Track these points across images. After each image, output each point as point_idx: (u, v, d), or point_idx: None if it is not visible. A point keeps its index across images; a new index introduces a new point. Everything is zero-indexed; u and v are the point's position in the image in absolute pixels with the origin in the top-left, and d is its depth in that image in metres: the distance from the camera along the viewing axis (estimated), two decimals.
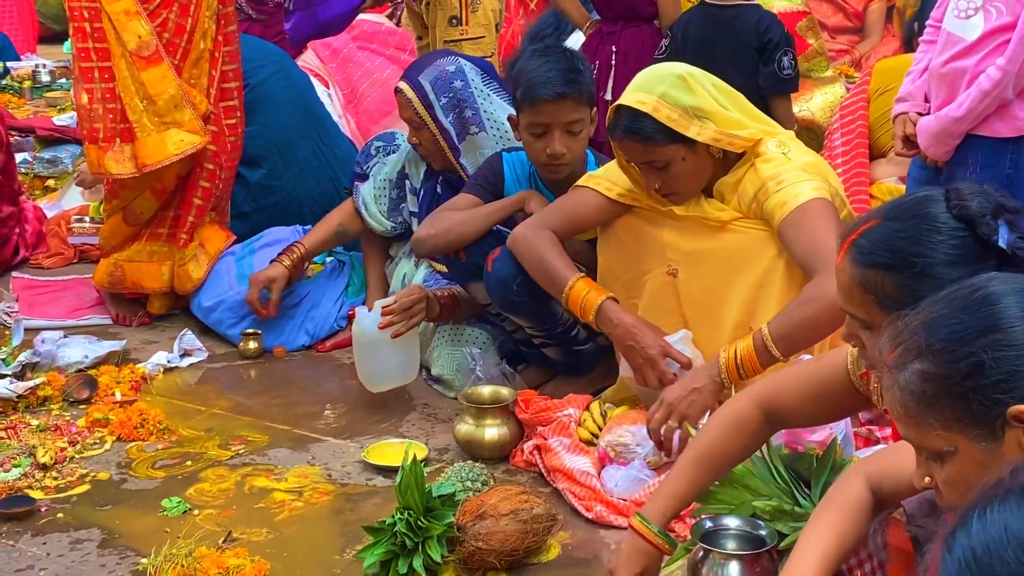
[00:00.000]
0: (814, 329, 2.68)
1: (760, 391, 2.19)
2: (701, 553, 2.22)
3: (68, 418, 3.35)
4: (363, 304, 3.72)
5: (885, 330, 1.60)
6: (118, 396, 3.46)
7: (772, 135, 2.97)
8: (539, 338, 3.36)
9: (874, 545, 1.93)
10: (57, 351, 3.65)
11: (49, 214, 5.07)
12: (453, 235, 3.34)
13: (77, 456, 3.14)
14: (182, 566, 2.55)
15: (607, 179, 3.10)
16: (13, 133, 5.54)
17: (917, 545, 1.82)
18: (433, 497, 2.54)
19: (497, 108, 3.66)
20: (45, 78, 7.45)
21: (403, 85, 3.69)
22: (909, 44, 5.06)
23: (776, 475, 2.41)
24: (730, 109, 2.93)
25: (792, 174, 2.86)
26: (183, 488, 2.97)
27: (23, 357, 3.58)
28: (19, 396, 3.39)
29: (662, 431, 2.69)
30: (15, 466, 3.05)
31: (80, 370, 3.61)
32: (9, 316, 4.09)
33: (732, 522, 2.31)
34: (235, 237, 4.16)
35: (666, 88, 2.86)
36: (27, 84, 7.36)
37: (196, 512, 2.85)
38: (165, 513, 2.84)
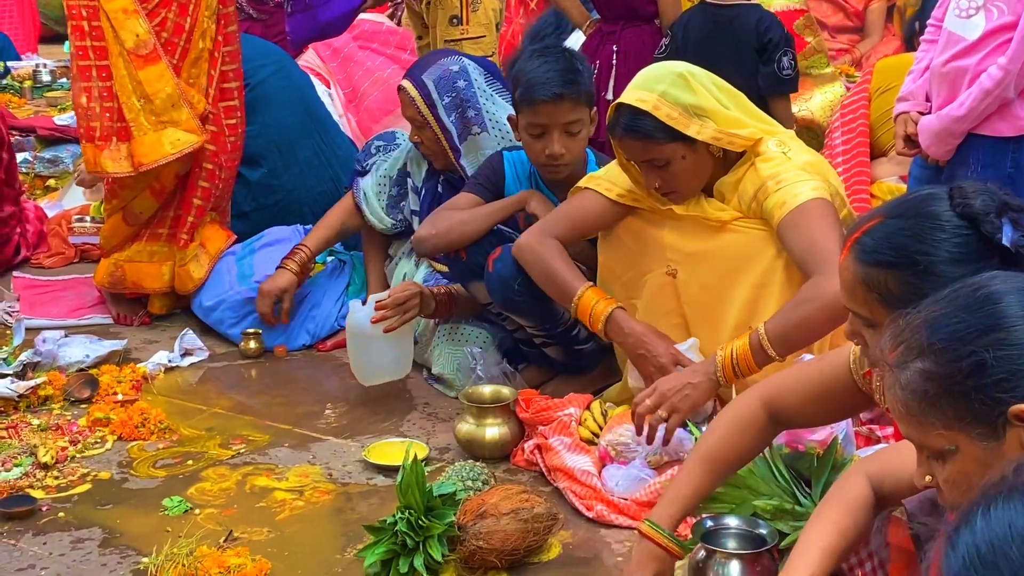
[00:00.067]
0: (811, 329, 2.68)
1: (763, 392, 2.19)
2: (702, 552, 2.22)
3: (69, 417, 3.35)
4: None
5: (887, 329, 1.60)
6: (119, 396, 3.46)
7: (772, 134, 2.97)
8: (540, 337, 3.36)
9: (875, 544, 1.93)
10: (58, 350, 3.65)
11: (50, 214, 5.07)
12: (454, 235, 3.34)
13: (78, 455, 3.14)
14: (183, 565, 2.55)
15: (607, 179, 3.10)
16: (14, 133, 5.54)
17: (918, 544, 1.82)
18: (434, 496, 2.54)
19: (500, 109, 3.66)
20: (46, 78, 7.46)
21: (406, 83, 3.69)
22: (910, 43, 5.07)
23: (777, 474, 2.41)
24: (730, 108, 2.93)
25: (792, 173, 2.86)
26: (184, 487, 2.97)
27: (24, 356, 3.59)
28: (20, 395, 3.39)
29: (650, 421, 2.68)
30: (16, 465, 3.05)
31: (81, 369, 3.61)
32: (10, 316, 4.10)
33: (733, 521, 2.31)
34: (236, 237, 4.16)
35: (666, 86, 2.86)
36: (28, 84, 7.36)
37: (197, 511, 2.85)
38: (166, 512, 2.84)
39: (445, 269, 3.62)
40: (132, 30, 3.79)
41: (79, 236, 4.85)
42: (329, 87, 5.69)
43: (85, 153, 3.94)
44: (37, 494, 2.93)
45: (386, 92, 5.59)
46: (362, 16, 5.93)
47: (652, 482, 2.77)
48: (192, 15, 3.88)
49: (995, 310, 1.49)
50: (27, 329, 3.89)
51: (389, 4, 6.74)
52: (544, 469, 2.96)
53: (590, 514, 2.77)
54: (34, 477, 3.01)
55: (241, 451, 3.18)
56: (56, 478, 3.02)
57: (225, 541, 2.69)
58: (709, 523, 2.28)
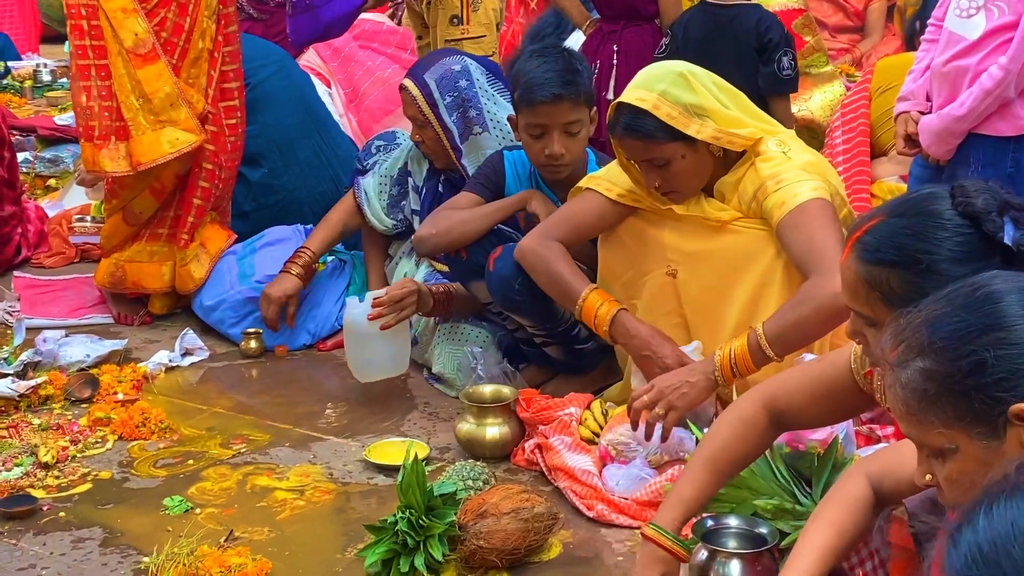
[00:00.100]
0: (807, 330, 2.69)
1: (764, 393, 2.19)
2: (703, 552, 2.22)
3: (70, 417, 3.36)
4: None
5: (887, 327, 1.60)
6: (120, 395, 3.46)
7: (773, 134, 2.97)
8: (540, 337, 3.36)
9: (877, 542, 1.93)
10: (59, 350, 3.65)
11: (50, 214, 5.08)
12: (455, 234, 3.34)
13: (79, 455, 3.14)
14: (184, 565, 2.55)
15: (608, 179, 3.10)
16: (14, 133, 5.54)
17: (919, 542, 1.82)
18: (434, 496, 2.54)
19: (501, 109, 3.66)
20: (46, 77, 7.46)
21: (408, 82, 3.69)
22: (911, 43, 5.07)
23: (777, 474, 2.41)
24: (730, 107, 2.93)
25: (791, 173, 2.86)
26: (185, 487, 2.97)
27: (25, 356, 3.59)
28: (21, 395, 3.39)
29: (647, 418, 2.69)
30: (17, 465, 3.05)
31: (82, 369, 3.61)
32: (11, 315, 4.10)
33: (733, 521, 2.31)
34: (236, 236, 4.16)
35: (667, 86, 2.86)
36: (28, 84, 7.36)
37: (198, 511, 2.85)
38: (167, 512, 2.84)
39: (445, 269, 3.62)
40: (131, 29, 3.80)
41: (80, 236, 4.85)
42: (330, 87, 5.69)
43: (84, 152, 3.94)
44: (38, 494, 2.93)
45: (387, 92, 5.59)
46: (362, 16, 5.92)
47: (653, 481, 2.77)
48: (191, 15, 3.88)
49: (995, 309, 1.49)
50: (28, 329, 3.89)
51: (389, 4, 6.74)
52: (545, 469, 2.96)
53: (591, 514, 2.77)
54: (35, 477, 3.01)
55: (242, 451, 3.18)
56: (57, 478, 3.02)
57: (226, 541, 2.69)
58: (710, 522, 2.28)
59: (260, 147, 4.33)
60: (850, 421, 2.58)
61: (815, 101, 5.18)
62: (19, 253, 4.74)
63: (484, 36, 5.05)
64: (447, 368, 3.53)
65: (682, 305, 3.04)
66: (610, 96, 4.25)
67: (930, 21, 3.43)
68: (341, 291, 4.04)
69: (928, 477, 1.57)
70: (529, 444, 3.04)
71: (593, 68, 4.32)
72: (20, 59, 7.98)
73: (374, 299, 3.40)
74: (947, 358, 1.49)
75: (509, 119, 3.44)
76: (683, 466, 2.74)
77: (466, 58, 3.74)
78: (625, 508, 2.75)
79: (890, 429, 2.73)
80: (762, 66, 4.20)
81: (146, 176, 3.92)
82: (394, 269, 3.94)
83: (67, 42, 4.18)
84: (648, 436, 2.71)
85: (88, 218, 4.92)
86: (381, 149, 4.01)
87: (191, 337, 3.85)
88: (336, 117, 5.14)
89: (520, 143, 3.39)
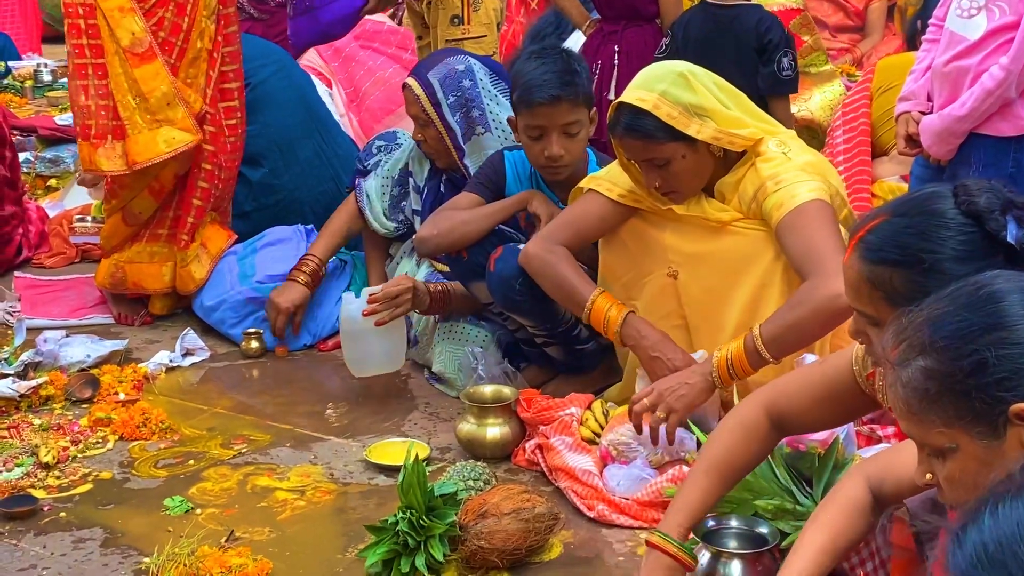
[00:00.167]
0: (804, 332, 2.68)
1: (766, 397, 2.18)
2: (704, 552, 2.22)
3: (70, 417, 3.35)
4: None
5: (889, 326, 1.60)
6: (121, 396, 3.46)
7: (773, 134, 2.97)
8: (541, 337, 3.36)
9: (879, 542, 1.93)
10: (59, 350, 3.65)
11: (51, 214, 5.08)
12: (456, 235, 3.34)
13: (79, 455, 3.14)
14: (184, 565, 2.55)
15: (608, 180, 3.10)
16: (15, 133, 5.54)
17: (920, 543, 1.82)
18: (435, 496, 2.54)
19: (504, 109, 3.65)
20: (47, 77, 7.45)
21: (411, 81, 3.69)
22: (912, 42, 5.07)
23: (778, 474, 2.41)
24: (731, 108, 2.92)
25: (791, 174, 2.85)
26: (185, 487, 2.96)
27: (25, 356, 3.59)
28: (21, 395, 3.39)
29: (648, 421, 2.70)
30: (17, 465, 3.05)
31: (82, 369, 3.61)
32: (11, 316, 4.10)
33: (734, 521, 2.31)
34: (237, 236, 4.16)
35: (667, 86, 2.86)
36: (29, 83, 7.35)
37: (198, 511, 2.85)
38: (167, 512, 2.84)
39: (446, 269, 3.62)
40: (128, 28, 3.79)
41: (80, 236, 4.85)
42: (330, 87, 5.69)
43: (81, 151, 3.94)
44: (38, 494, 2.93)
45: (387, 92, 5.59)
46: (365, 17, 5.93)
47: (653, 482, 2.77)
48: (190, 15, 3.88)
49: (997, 309, 1.49)
50: (28, 329, 3.89)
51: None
52: (545, 469, 2.96)
53: (591, 514, 2.77)
54: (35, 477, 3.01)
55: (242, 451, 3.18)
56: (57, 478, 3.02)
57: (226, 541, 2.69)
58: (711, 523, 2.28)
59: (261, 147, 4.32)
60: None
61: (815, 101, 5.18)
62: (20, 253, 4.74)
63: (485, 36, 5.04)
64: (448, 368, 3.52)
65: (682, 306, 3.03)
66: (611, 96, 4.24)
67: (931, 21, 3.43)
68: (342, 291, 4.03)
69: (928, 476, 1.57)
70: (530, 444, 3.04)
71: (594, 69, 4.32)
72: (21, 59, 7.98)
73: (370, 295, 3.41)
74: (948, 357, 1.49)
75: (509, 120, 3.44)
76: (684, 466, 2.75)
77: (470, 58, 3.74)
78: (626, 508, 2.75)
79: (891, 429, 2.72)
80: (762, 66, 4.20)
81: (145, 176, 3.91)
82: (395, 269, 3.94)
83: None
84: (654, 440, 2.71)
85: (89, 218, 4.92)
86: (382, 149, 4.01)
87: (192, 337, 3.85)
88: (337, 117, 5.14)
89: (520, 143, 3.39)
